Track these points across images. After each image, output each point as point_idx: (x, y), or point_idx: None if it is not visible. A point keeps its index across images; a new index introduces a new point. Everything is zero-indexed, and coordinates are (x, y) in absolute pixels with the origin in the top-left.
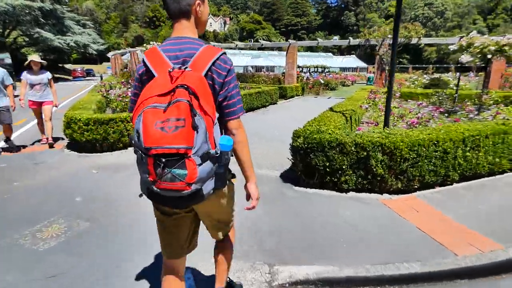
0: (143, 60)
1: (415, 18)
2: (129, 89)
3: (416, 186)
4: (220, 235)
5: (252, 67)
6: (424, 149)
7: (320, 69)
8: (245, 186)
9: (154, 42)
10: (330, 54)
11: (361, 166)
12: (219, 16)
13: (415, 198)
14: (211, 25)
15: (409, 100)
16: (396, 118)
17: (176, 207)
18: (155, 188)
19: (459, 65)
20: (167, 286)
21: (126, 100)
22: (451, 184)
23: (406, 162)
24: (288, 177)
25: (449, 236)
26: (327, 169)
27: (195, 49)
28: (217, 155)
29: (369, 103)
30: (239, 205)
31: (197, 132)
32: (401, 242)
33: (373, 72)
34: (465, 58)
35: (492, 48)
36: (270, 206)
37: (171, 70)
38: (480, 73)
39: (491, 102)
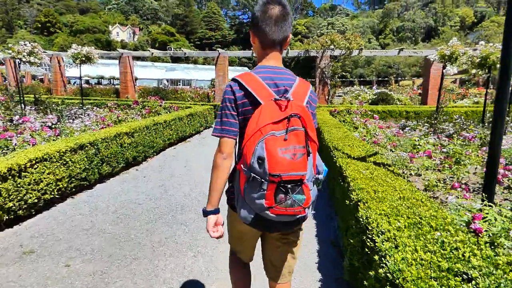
0: (239, 84)
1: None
2: None
3: None
4: (286, 271)
5: (167, 80)
6: None
7: None
8: None
9: (33, 42)
10: (246, 68)
11: None
12: (127, 25)
13: None
14: (118, 35)
15: (391, 123)
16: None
17: (282, 230)
18: (270, 214)
19: (361, 78)
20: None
21: None
22: None
23: None
24: None
25: None
26: None
27: (292, 80)
28: (321, 180)
29: (355, 130)
30: None
31: (308, 159)
32: None
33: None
34: (451, 69)
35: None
36: None
37: (277, 98)
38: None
39: None
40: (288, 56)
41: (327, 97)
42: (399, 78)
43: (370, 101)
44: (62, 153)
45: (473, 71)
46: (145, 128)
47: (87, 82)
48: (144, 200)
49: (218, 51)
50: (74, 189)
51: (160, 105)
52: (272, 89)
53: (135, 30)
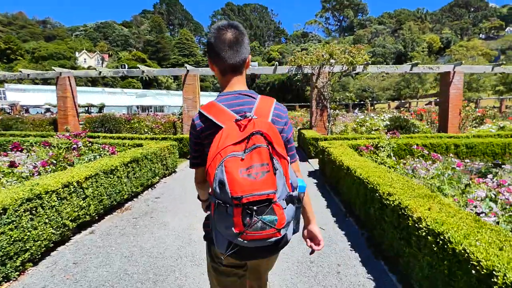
0: (201, 115)
1: None
2: None
3: None
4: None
5: (137, 106)
6: None
7: None
8: (307, 230)
9: None
10: (217, 93)
11: None
12: (95, 52)
13: None
14: (85, 61)
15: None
16: None
17: (261, 257)
18: (242, 240)
19: (338, 102)
20: None
21: None
22: None
23: None
24: None
25: None
26: None
27: (253, 99)
28: (297, 197)
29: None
30: None
31: (277, 176)
32: None
33: None
34: None
35: None
36: None
37: (238, 119)
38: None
39: None
40: (277, 73)
41: (326, 124)
42: (374, 102)
43: (380, 128)
44: None
45: None
46: None
47: (48, 110)
48: None
49: (186, 67)
50: None
51: (75, 147)
52: (233, 111)
53: (104, 56)
